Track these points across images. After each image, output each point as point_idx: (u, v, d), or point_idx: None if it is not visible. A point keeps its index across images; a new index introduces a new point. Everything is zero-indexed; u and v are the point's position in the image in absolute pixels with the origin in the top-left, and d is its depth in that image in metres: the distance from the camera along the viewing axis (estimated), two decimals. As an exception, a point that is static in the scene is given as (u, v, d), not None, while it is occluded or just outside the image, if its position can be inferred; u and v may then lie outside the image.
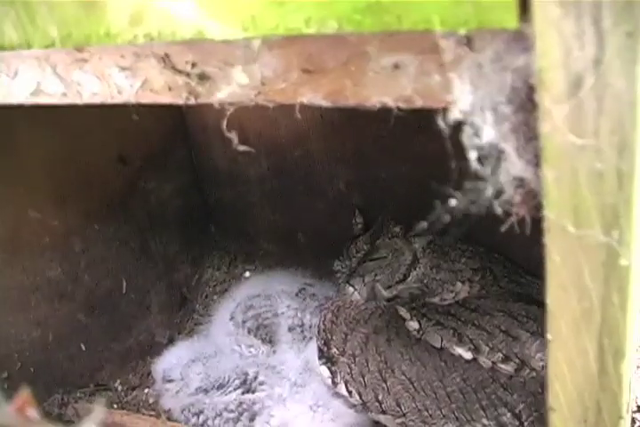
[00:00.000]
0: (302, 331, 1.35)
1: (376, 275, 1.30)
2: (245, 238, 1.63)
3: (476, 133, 0.58)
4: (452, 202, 0.63)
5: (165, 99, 0.76)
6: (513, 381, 1.15)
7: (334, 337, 1.26)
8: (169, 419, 1.29)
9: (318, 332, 1.28)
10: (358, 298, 1.31)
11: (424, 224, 0.66)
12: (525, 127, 0.58)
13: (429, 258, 1.30)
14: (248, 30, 0.60)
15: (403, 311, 1.25)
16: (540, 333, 1.17)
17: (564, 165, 0.55)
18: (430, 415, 1.16)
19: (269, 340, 1.34)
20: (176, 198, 1.50)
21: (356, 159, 1.40)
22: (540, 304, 1.24)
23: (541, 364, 1.15)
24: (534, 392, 1.13)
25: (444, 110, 0.61)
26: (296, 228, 1.56)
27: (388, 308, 1.27)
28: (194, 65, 0.72)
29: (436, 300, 1.26)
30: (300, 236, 1.56)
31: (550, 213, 0.58)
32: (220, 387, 1.26)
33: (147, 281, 1.43)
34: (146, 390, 1.40)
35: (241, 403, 1.24)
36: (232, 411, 1.23)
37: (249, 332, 1.35)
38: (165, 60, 0.72)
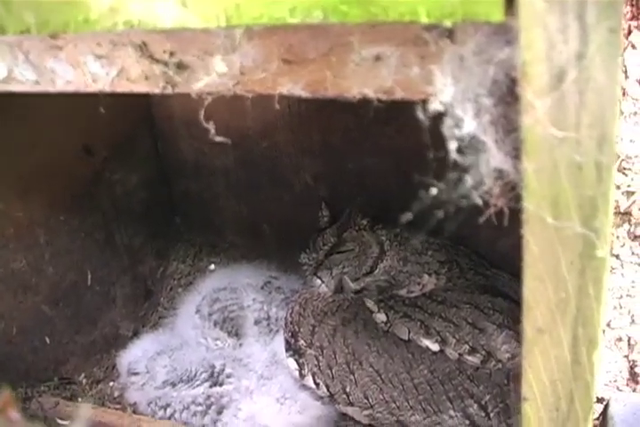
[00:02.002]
0: (268, 324, 1.35)
1: (344, 267, 1.31)
2: (211, 231, 1.61)
3: (457, 125, 0.58)
4: (433, 191, 0.63)
5: (142, 88, 0.75)
6: (479, 372, 1.16)
7: (302, 329, 1.26)
8: (135, 412, 1.28)
9: (285, 324, 1.28)
10: (326, 290, 1.31)
11: (409, 215, 0.66)
12: (505, 119, 0.59)
13: (396, 250, 1.30)
14: (231, 19, 0.59)
15: (370, 304, 1.25)
16: (505, 325, 1.19)
17: (545, 158, 0.56)
18: (398, 407, 1.17)
19: (235, 333, 1.34)
20: (141, 189, 1.48)
21: (323, 151, 1.40)
22: (505, 297, 1.27)
23: (507, 355, 1.16)
24: (500, 384, 1.15)
25: (423, 102, 0.62)
26: (262, 220, 1.55)
27: (356, 300, 1.28)
28: (172, 54, 0.71)
29: (403, 292, 1.27)
30: (266, 228, 1.56)
31: (529, 205, 0.59)
32: (188, 380, 1.25)
33: (111, 273, 1.41)
34: (111, 384, 1.38)
35: (208, 396, 1.23)
36: (200, 404, 1.22)
37: (215, 325, 1.34)
38: (143, 48, 0.71)
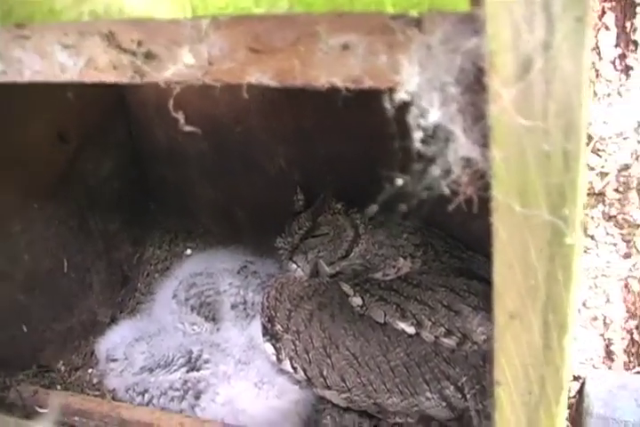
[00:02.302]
0: (245, 308, 1.35)
1: (319, 251, 1.31)
2: (186, 216, 1.61)
3: (422, 114, 0.58)
4: (399, 181, 0.63)
5: (110, 77, 0.74)
6: (455, 354, 1.17)
7: (278, 314, 1.26)
8: (114, 398, 1.29)
9: (262, 309, 1.28)
10: (302, 275, 1.31)
11: (374, 207, 0.66)
12: (473, 108, 0.59)
13: (371, 234, 1.31)
14: (197, 10, 0.59)
15: (346, 287, 1.26)
16: (481, 307, 1.20)
17: (512, 146, 0.56)
18: (375, 390, 1.18)
19: (212, 318, 1.34)
20: (115, 176, 1.47)
21: (296, 137, 1.39)
22: (481, 279, 1.28)
23: (483, 338, 1.18)
24: (476, 365, 1.16)
25: (391, 90, 0.62)
26: (236, 205, 1.55)
27: (332, 284, 1.28)
28: (140, 43, 0.70)
29: (378, 275, 1.28)
30: (241, 213, 1.55)
31: (498, 193, 0.59)
32: (165, 366, 1.26)
33: (87, 260, 1.41)
34: (89, 371, 1.39)
35: (186, 381, 1.24)
36: (177, 389, 1.23)
37: (192, 310, 1.34)
38: (110, 38, 0.71)
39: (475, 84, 0.58)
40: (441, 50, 0.57)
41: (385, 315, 1.20)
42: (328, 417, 1.27)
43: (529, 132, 0.55)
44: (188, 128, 0.77)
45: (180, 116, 0.75)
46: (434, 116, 0.58)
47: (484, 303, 1.21)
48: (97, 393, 1.32)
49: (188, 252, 1.61)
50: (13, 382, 1.22)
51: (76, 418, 1.15)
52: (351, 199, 1.33)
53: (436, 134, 0.60)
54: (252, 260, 1.45)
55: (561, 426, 0.75)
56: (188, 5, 0.59)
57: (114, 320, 1.49)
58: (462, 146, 0.60)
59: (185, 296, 1.36)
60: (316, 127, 1.38)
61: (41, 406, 1.17)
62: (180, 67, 0.70)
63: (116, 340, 1.35)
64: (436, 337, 1.18)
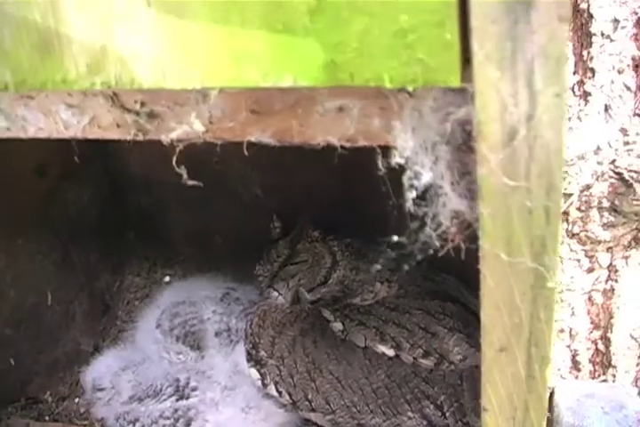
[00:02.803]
0: (229, 335, 1.39)
1: (300, 279, 1.35)
2: (164, 244, 1.64)
3: (415, 176, 0.64)
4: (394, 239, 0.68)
5: (113, 135, 0.78)
6: (433, 374, 1.23)
7: (262, 340, 1.30)
8: (102, 427, 1.32)
9: (246, 336, 1.32)
10: (283, 302, 1.35)
11: (377, 267, 0.71)
12: (460, 166, 0.65)
13: (348, 260, 1.35)
14: (205, 81, 0.63)
15: (326, 313, 1.30)
16: (456, 328, 1.26)
17: (498, 203, 0.62)
18: (358, 411, 1.23)
19: (197, 346, 1.37)
20: (94, 207, 1.49)
21: (273, 164, 1.43)
22: (455, 301, 1.34)
23: (459, 357, 1.23)
24: (454, 384, 1.22)
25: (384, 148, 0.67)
26: (214, 232, 1.58)
27: (313, 310, 1.33)
28: (143, 104, 0.74)
29: (357, 300, 1.33)
30: (219, 240, 1.59)
31: (485, 244, 0.65)
32: (154, 395, 1.29)
33: (70, 292, 1.43)
34: (76, 400, 1.41)
35: (176, 410, 1.27)
36: (167, 418, 1.26)
37: (177, 339, 1.37)
38: (114, 99, 0.75)
39: (463, 146, 0.63)
40: (431, 115, 0.62)
41: (365, 339, 1.25)
42: (313, 439, 1.31)
43: (513, 191, 0.61)
44: (190, 182, 0.82)
45: (183, 171, 0.80)
46: (426, 176, 0.63)
47: (459, 324, 1.27)
48: (85, 422, 1.35)
49: (167, 279, 1.64)
50: (4, 416, 1.24)
51: (70, 450, 1.18)
52: (328, 227, 1.37)
53: (427, 192, 0.65)
54: (232, 286, 1.48)
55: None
56: (198, 77, 0.63)
57: (97, 349, 1.51)
58: (451, 200, 0.66)
59: (169, 326, 1.39)
60: (291, 155, 1.42)
61: (33, 440, 1.19)
62: (183, 126, 0.75)
63: (102, 369, 1.36)
64: (414, 358, 1.23)
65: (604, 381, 1.28)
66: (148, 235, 1.64)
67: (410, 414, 1.22)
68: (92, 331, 1.52)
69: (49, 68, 0.67)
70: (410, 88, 0.59)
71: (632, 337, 1.22)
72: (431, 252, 0.70)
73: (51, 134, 0.81)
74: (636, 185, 1.06)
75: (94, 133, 0.79)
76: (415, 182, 0.63)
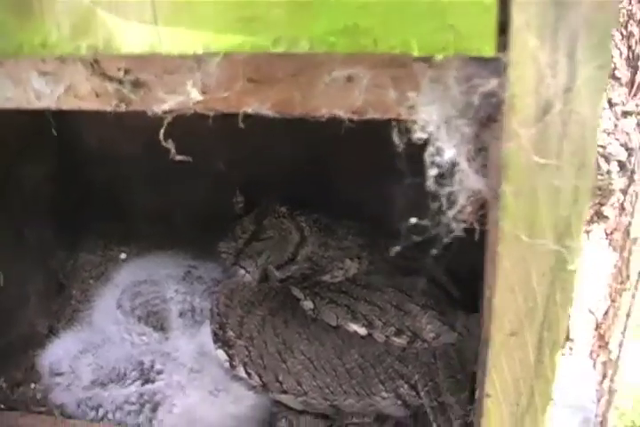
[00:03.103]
0: (193, 315, 1.33)
1: (268, 256, 1.30)
2: (120, 220, 1.56)
3: (438, 152, 0.59)
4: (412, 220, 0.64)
5: (91, 105, 0.72)
6: (406, 353, 1.20)
7: (230, 320, 1.25)
8: (62, 414, 1.24)
9: (212, 316, 1.27)
10: (250, 280, 1.31)
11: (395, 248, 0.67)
12: (480, 141, 0.61)
13: (317, 236, 1.31)
14: (209, 46, 0.57)
15: (296, 291, 1.26)
16: (428, 305, 1.23)
17: (524, 182, 0.58)
18: (332, 392, 1.20)
19: (161, 327, 1.31)
20: (48, 181, 1.41)
21: (237, 137, 1.37)
22: (428, 278, 1.31)
23: (432, 335, 1.21)
24: (427, 363, 1.19)
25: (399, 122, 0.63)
26: (174, 208, 1.51)
27: (282, 289, 1.28)
28: (127, 72, 0.68)
29: (326, 278, 1.29)
30: (179, 216, 1.52)
31: (505, 224, 0.61)
32: (118, 379, 1.23)
33: (24, 271, 1.35)
34: (32, 386, 1.33)
35: (142, 394, 1.21)
36: (133, 403, 1.20)
37: (139, 320, 1.31)
38: (94, 66, 0.68)
39: (486, 121, 0.59)
40: (457, 88, 0.58)
41: (337, 317, 1.22)
42: (284, 420, 1.27)
43: (542, 169, 0.57)
44: (179, 157, 0.75)
45: (171, 146, 0.74)
46: (449, 153, 0.59)
47: (432, 302, 1.24)
48: (43, 409, 1.28)
49: (123, 256, 1.56)
50: (-44, 404, 1.16)
51: (31, 440, 1.12)
52: (295, 202, 1.33)
53: (444, 168, 0.61)
54: (194, 264, 1.42)
55: (546, 432, 0.79)
56: (200, 42, 0.57)
57: (52, 331, 1.43)
58: (468, 177, 0.62)
59: (130, 306, 1.32)
60: (257, 128, 1.36)
61: (-9, 430, 1.12)
62: (172, 96, 0.68)
63: (59, 352, 1.30)
64: (387, 337, 1.20)
65: (562, 354, 1.28)
66: (103, 211, 1.56)
67: (384, 394, 1.19)
68: (47, 312, 1.44)
69: (27, 31, 0.60)
70: (439, 56, 0.54)
71: (590, 311, 1.21)
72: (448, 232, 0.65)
73: (20, 105, 0.74)
74: (599, 160, 1.04)
75: (70, 104, 0.72)
76: (437, 159, 0.59)
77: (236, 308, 1.26)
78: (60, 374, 1.27)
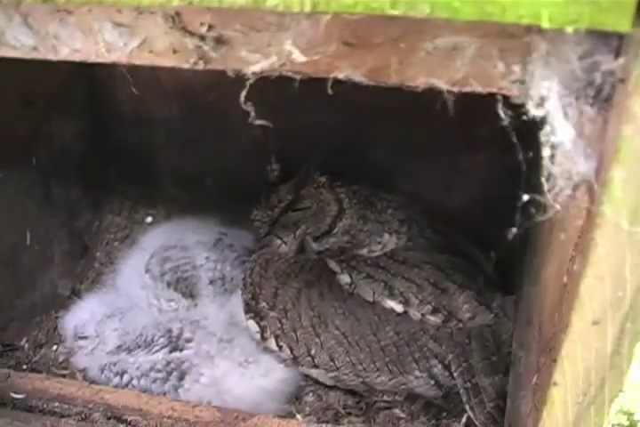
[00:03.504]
0: (223, 284, 1.30)
1: (307, 228, 1.27)
2: (148, 183, 1.52)
3: (553, 131, 0.56)
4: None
5: (167, 62, 0.67)
6: (441, 332, 1.18)
7: (263, 291, 1.22)
8: (85, 378, 1.22)
9: (245, 285, 1.24)
10: (286, 251, 1.27)
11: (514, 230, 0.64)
12: (594, 123, 0.57)
13: (356, 209, 1.28)
14: (318, 5, 0.53)
15: (333, 264, 1.24)
16: (466, 285, 1.21)
17: (636, 167, 0.55)
18: (364, 369, 1.18)
19: (190, 294, 1.28)
20: (78, 141, 1.36)
21: (276, 104, 1.33)
22: (465, 256, 1.28)
23: (468, 315, 1.19)
24: (462, 343, 1.17)
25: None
26: (205, 173, 1.47)
27: (318, 261, 1.26)
28: (210, 27, 0.64)
29: (363, 252, 1.26)
30: (209, 182, 1.48)
31: (607, 210, 0.58)
32: (145, 345, 1.20)
33: (50, 231, 1.31)
34: (54, 348, 1.30)
35: (168, 362, 1.18)
36: (159, 371, 1.17)
37: (168, 285, 1.28)
38: (175, 19, 0.64)
39: (605, 101, 0.56)
40: (577, 65, 0.54)
41: (374, 293, 1.19)
42: (311, 394, 1.25)
43: (657, 155, 0.54)
44: (258, 122, 0.72)
45: (251, 109, 0.70)
46: (566, 133, 0.55)
47: (469, 281, 1.22)
48: (65, 372, 1.25)
49: (149, 220, 1.53)
50: (-20, 366, 1.13)
51: (57, 404, 1.09)
52: (335, 172, 1.29)
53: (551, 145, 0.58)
54: (224, 231, 1.39)
55: (608, 424, 0.77)
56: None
57: (75, 293, 1.40)
58: (572, 158, 0.59)
59: (159, 271, 1.29)
60: (297, 94, 1.32)
61: (16, 392, 1.09)
62: (256, 56, 0.64)
63: (85, 316, 1.26)
64: (422, 315, 1.18)
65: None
66: (132, 173, 1.52)
67: (417, 373, 1.17)
68: (70, 273, 1.40)
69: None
70: (569, 30, 0.50)
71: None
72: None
73: (88, 57, 0.70)
74: None
75: (143, 59, 0.68)
76: (552, 138, 0.55)
77: (271, 279, 1.23)
78: (84, 338, 1.25)
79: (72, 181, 1.36)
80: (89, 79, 1.38)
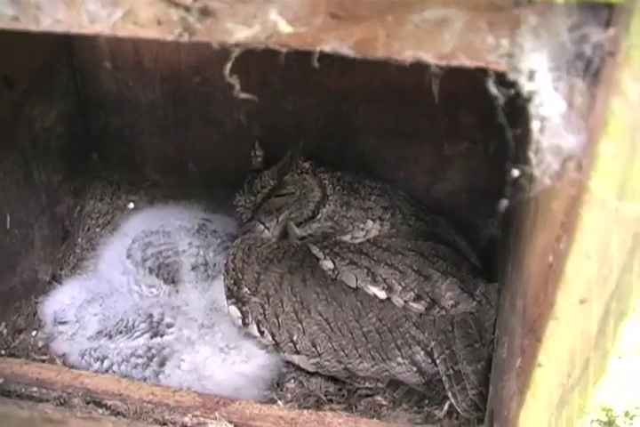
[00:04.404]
0: (206, 270, 1.29)
1: (290, 213, 1.26)
2: (131, 168, 1.50)
3: (542, 104, 0.55)
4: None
5: (151, 34, 0.66)
6: (423, 319, 1.17)
7: (245, 277, 1.21)
8: (64, 363, 1.20)
9: (227, 271, 1.23)
10: (269, 236, 1.26)
11: (504, 202, 0.63)
12: (582, 96, 0.57)
13: (339, 195, 1.27)
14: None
15: (316, 250, 1.23)
16: (449, 272, 1.20)
17: (625, 141, 0.55)
18: (346, 355, 1.17)
19: (172, 279, 1.26)
20: (59, 124, 1.34)
21: (261, 90, 1.32)
22: (447, 243, 1.28)
23: (451, 302, 1.18)
24: (445, 330, 1.17)
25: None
26: (188, 159, 1.45)
27: (301, 247, 1.25)
28: (196, -3, 0.62)
29: (347, 238, 1.25)
30: (193, 167, 1.46)
31: (594, 186, 0.58)
32: (126, 331, 1.19)
33: (30, 215, 1.28)
34: (33, 333, 1.28)
35: (149, 348, 1.17)
36: (140, 356, 1.16)
37: (150, 271, 1.26)
38: (160, -12, 0.63)
39: (595, 73, 0.55)
40: (566, 37, 0.54)
41: (356, 279, 1.19)
42: (293, 381, 1.25)
43: (646, 128, 0.54)
44: (243, 95, 0.71)
45: (236, 81, 0.69)
46: (555, 105, 0.55)
47: (452, 268, 1.22)
48: (45, 358, 1.23)
49: (131, 205, 1.51)
50: (-42, 351, 1.12)
51: (35, 389, 1.07)
52: (318, 158, 1.28)
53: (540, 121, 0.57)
54: (208, 217, 1.37)
55: (592, 405, 0.77)
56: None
57: (55, 279, 1.38)
58: (560, 133, 0.58)
59: (141, 256, 1.28)
60: (282, 80, 1.31)
61: (-8, 376, 1.08)
62: (241, 28, 0.63)
63: (65, 301, 1.25)
64: (405, 302, 1.18)
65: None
66: (113, 157, 1.50)
67: (399, 359, 1.17)
68: (51, 258, 1.38)
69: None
70: (559, 1, 0.50)
71: None
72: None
73: (70, 28, 0.68)
74: None
75: (127, 31, 0.66)
76: (541, 111, 0.55)
77: (253, 264, 1.22)
78: (64, 323, 1.23)
79: (53, 165, 1.34)
80: (72, 62, 1.36)
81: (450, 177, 1.38)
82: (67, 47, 1.34)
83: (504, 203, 0.62)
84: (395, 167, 1.38)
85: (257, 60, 1.26)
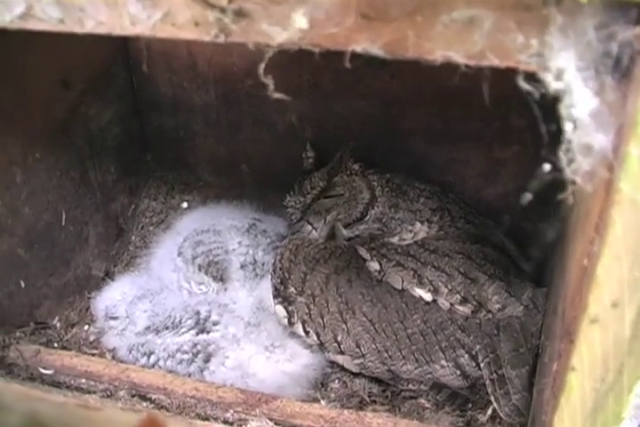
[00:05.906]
0: (254, 269, 1.30)
1: (338, 214, 1.27)
2: (184, 168, 1.54)
3: (574, 104, 0.55)
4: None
5: (189, 35, 0.68)
6: (469, 322, 1.17)
7: (292, 276, 1.23)
8: (114, 358, 1.23)
9: (274, 270, 1.25)
10: (316, 236, 1.28)
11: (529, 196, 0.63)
12: (612, 96, 0.56)
13: (388, 197, 1.27)
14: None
15: (363, 252, 1.23)
16: (496, 275, 1.19)
17: (654, 142, 0.54)
18: (390, 357, 1.17)
19: (220, 277, 1.29)
20: (116, 124, 1.38)
21: (312, 92, 1.33)
22: (495, 247, 1.27)
23: (497, 306, 1.17)
24: (490, 334, 1.16)
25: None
26: (240, 160, 1.48)
27: (348, 248, 1.26)
28: (231, 0, 0.64)
29: (394, 240, 1.25)
30: (245, 168, 1.49)
31: (625, 186, 0.57)
32: (173, 327, 1.21)
33: (85, 212, 1.33)
34: (85, 327, 1.32)
35: (195, 344, 1.19)
36: (186, 352, 1.18)
37: (199, 269, 1.29)
38: (196, -9, 0.64)
39: (623, 73, 0.55)
40: (594, 36, 0.53)
41: (402, 281, 1.19)
42: (337, 381, 1.25)
43: (676, 129, 0.53)
44: (277, 95, 0.72)
45: (270, 82, 0.70)
46: (587, 105, 0.54)
47: (499, 272, 1.21)
48: (95, 352, 1.27)
49: (185, 205, 1.54)
50: (12, 341, 1.15)
51: (84, 380, 1.11)
52: (368, 160, 1.29)
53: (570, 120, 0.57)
54: (259, 217, 1.40)
55: (627, 412, 0.75)
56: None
57: (108, 275, 1.43)
58: (590, 133, 0.57)
59: (191, 254, 1.30)
60: (333, 83, 1.32)
61: (45, 368, 1.11)
62: (276, 29, 0.65)
63: (116, 297, 1.29)
64: (451, 304, 1.17)
65: None
66: (169, 158, 1.54)
67: (443, 362, 1.16)
68: (105, 255, 1.42)
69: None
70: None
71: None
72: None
73: (112, 30, 0.71)
74: None
75: (166, 32, 0.68)
76: (573, 112, 0.54)
77: (300, 264, 1.24)
78: (114, 318, 1.27)
79: (109, 165, 1.38)
80: (128, 64, 1.40)
81: (500, 180, 1.37)
82: (123, 50, 1.38)
83: (527, 197, 0.62)
84: (445, 170, 1.38)
85: (309, 64, 1.31)
